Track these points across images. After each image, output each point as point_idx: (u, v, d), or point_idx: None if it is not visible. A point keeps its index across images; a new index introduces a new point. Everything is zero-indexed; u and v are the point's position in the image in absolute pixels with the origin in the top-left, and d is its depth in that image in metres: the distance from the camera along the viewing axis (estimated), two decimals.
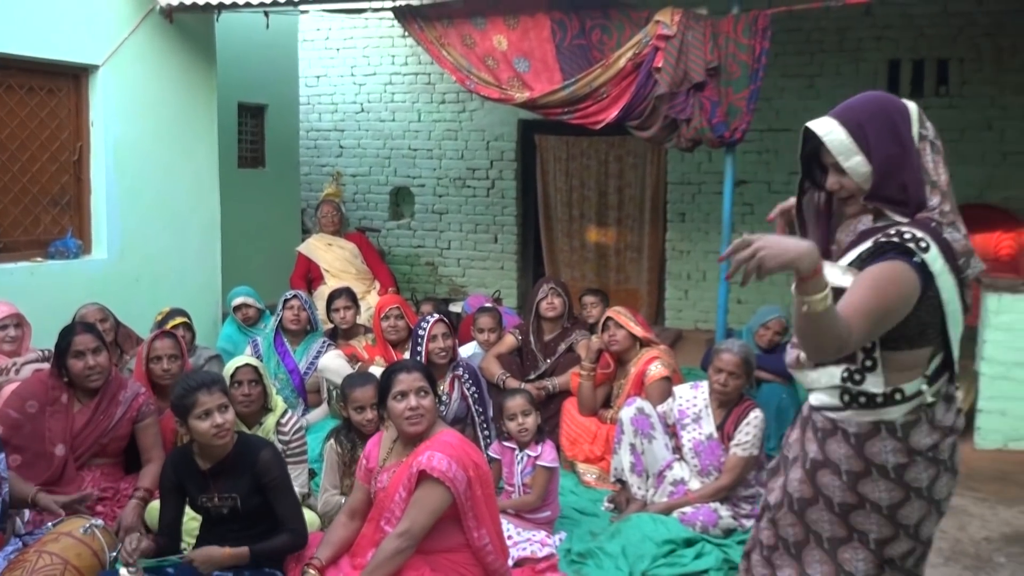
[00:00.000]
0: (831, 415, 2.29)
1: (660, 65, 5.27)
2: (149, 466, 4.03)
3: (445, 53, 5.89)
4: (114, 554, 3.33)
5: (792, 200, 2.50)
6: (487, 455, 4.19)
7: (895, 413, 2.21)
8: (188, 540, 3.48)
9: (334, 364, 5.35)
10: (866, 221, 2.33)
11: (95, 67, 5.87)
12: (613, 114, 5.48)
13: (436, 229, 9.73)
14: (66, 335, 4.02)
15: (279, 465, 3.36)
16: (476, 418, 4.73)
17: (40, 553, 3.11)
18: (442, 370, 4.76)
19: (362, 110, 9.89)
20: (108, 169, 5.98)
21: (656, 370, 4.73)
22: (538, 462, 4.06)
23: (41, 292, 5.46)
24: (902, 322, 2.16)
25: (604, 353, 4.97)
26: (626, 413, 4.39)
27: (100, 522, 3.41)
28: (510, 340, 5.53)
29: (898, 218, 2.20)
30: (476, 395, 4.76)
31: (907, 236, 2.13)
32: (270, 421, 4.07)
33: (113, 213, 6.02)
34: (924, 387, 2.22)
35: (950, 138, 7.45)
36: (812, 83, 7.85)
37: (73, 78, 5.88)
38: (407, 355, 5.04)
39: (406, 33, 6.19)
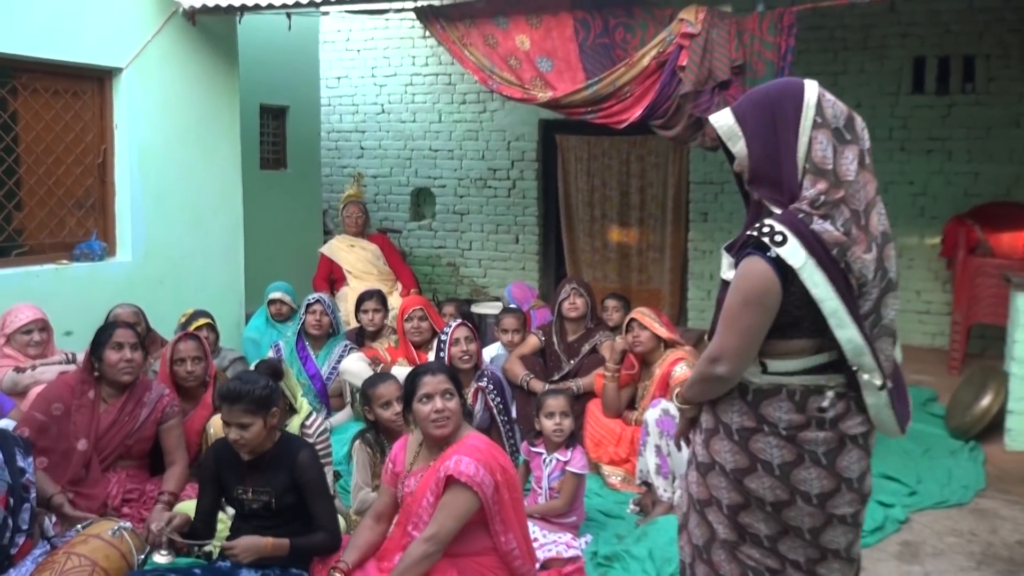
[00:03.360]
0: None
1: (684, 64, 5.22)
2: (172, 468, 4.06)
3: (467, 53, 5.86)
4: (142, 556, 3.34)
5: None
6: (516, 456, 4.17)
7: (752, 378, 2.27)
8: (215, 544, 3.48)
9: (355, 367, 5.35)
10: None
11: (119, 70, 5.89)
12: (637, 113, 5.44)
13: (457, 230, 9.71)
14: (108, 328, 4.12)
15: (316, 467, 3.38)
16: (501, 428, 4.72)
17: (69, 555, 3.14)
18: (467, 375, 4.74)
19: (383, 111, 9.89)
20: (132, 171, 6.00)
21: (681, 371, 4.67)
22: (568, 467, 4.02)
23: (66, 294, 5.50)
24: None
25: (628, 354, 4.93)
26: (651, 415, 4.36)
27: (128, 524, 3.44)
28: (533, 341, 5.51)
29: (775, 209, 2.23)
30: (500, 405, 4.74)
31: (764, 230, 2.17)
32: (295, 423, 4.06)
33: (137, 215, 6.04)
34: (792, 369, 2.25)
35: (976, 135, 7.39)
36: (836, 81, 7.75)
37: (97, 81, 5.90)
38: (431, 356, 5.03)
39: (427, 33, 6.16)
